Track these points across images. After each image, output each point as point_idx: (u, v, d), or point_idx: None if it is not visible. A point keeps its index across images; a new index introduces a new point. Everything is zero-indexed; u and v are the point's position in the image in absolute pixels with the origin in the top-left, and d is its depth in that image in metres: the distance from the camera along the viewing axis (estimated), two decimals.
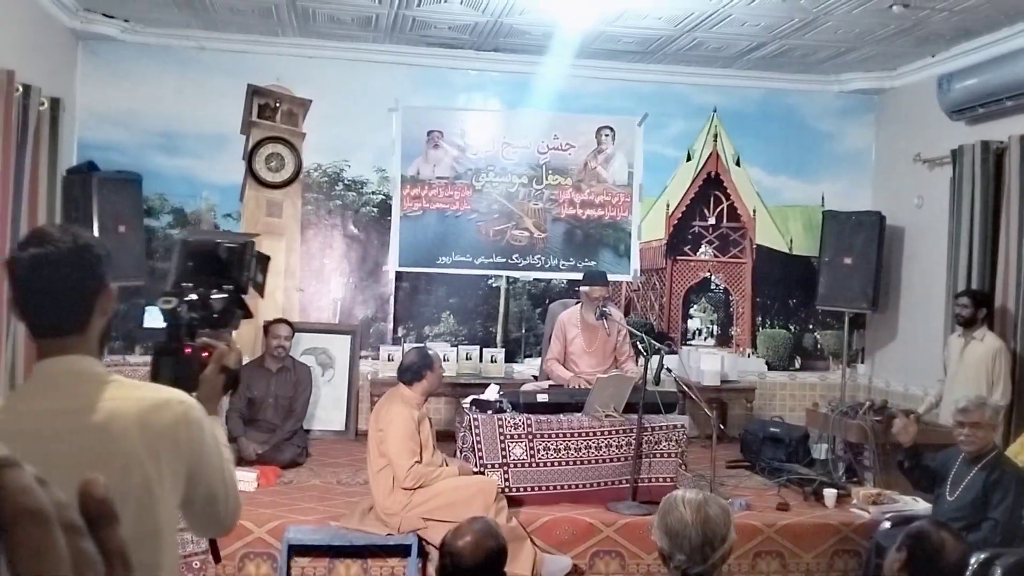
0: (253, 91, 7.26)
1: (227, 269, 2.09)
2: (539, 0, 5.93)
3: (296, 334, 6.54)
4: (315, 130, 7.35)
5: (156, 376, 1.88)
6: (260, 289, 2.22)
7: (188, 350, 1.91)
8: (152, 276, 6.95)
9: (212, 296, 2.02)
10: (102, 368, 1.66)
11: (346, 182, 7.43)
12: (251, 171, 7.26)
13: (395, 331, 7.45)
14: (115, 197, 6.41)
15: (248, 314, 2.13)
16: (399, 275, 7.44)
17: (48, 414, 1.57)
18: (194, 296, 1.99)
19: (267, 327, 6.40)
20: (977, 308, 5.95)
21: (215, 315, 2.01)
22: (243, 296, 2.10)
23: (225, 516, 1.77)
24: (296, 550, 4.65)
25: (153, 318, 1.74)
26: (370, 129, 7.38)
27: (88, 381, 1.62)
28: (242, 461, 5.55)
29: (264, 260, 2.24)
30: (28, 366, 5.16)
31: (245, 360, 6.59)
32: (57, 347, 1.63)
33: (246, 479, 5.33)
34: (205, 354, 1.91)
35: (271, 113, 7.32)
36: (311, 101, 7.34)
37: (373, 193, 7.46)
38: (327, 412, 7.03)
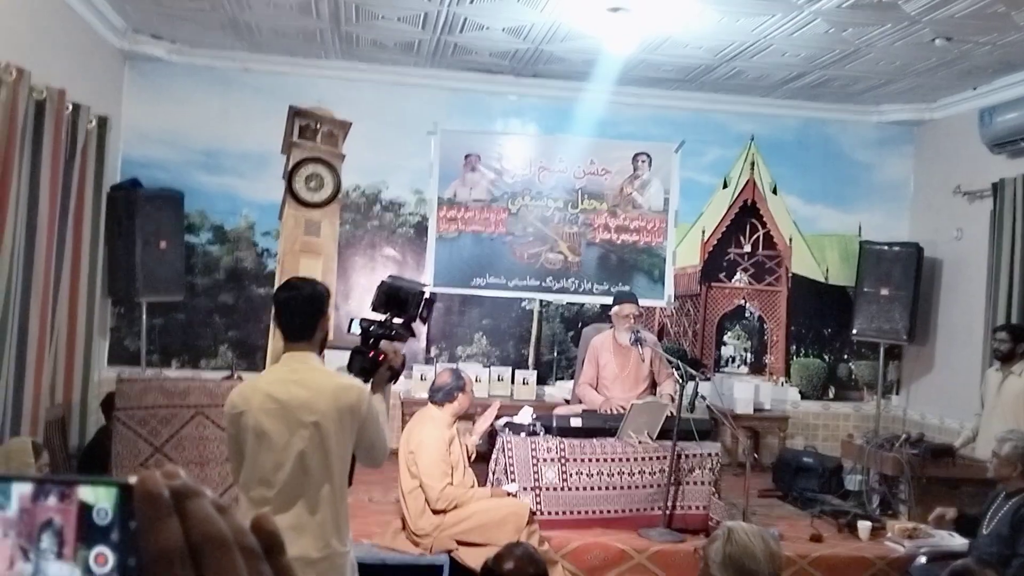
0: (295, 112, 7.34)
1: (405, 305, 3.25)
2: (581, 28, 5.99)
3: (329, 353, 6.57)
4: (355, 151, 7.41)
5: (349, 366, 3.06)
6: (425, 321, 3.44)
7: (371, 353, 3.04)
8: (191, 292, 7.08)
9: (393, 321, 3.19)
10: (317, 360, 2.91)
11: (384, 203, 7.51)
12: (291, 190, 7.33)
13: (428, 351, 7.48)
14: (157, 214, 6.53)
15: (413, 334, 3.36)
16: (433, 296, 7.46)
17: (286, 378, 2.84)
18: (382, 319, 3.18)
19: None
20: (1016, 343, 5.88)
21: (392, 333, 3.14)
22: (412, 324, 3.26)
23: (379, 458, 2.99)
24: None
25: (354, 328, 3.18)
26: (409, 151, 7.46)
27: (309, 366, 2.87)
28: None
29: (430, 303, 3.38)
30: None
31: None
32: (296, 347, 2.90)
33: None
34: (381, 357, 3.04)
35: (312, 134, 7.39)
36: (351, 123, 7.42)
37: (410, 214, 7.53)
38: None
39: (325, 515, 2.78)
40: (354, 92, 7.38)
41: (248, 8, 6.04)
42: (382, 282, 3.42)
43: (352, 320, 3.25)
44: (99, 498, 0.49)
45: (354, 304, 7.45)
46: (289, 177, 7.37)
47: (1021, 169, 6.37)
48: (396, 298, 3.25)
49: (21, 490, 0.49)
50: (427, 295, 3.39)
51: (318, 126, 7.43)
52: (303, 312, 2.89)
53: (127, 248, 6.37)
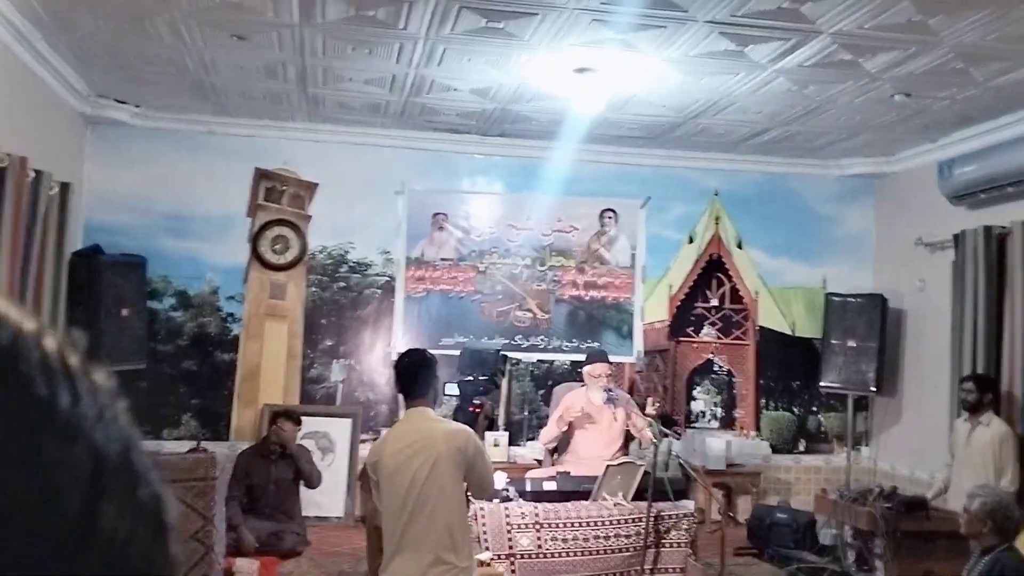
0: (261, 174, 7.33)
1: (486, 365, 4.29)
2: (548, 88, 6.04)
3: (301, 419, 6.45)
4: (321, 213, 7.40)
5: (455, 418, 4.02)
6: (504, 374, 4.46)
7: (470, 407, 4.00)
8: (153, 359, 6.94)
9: (480, 378, 4.10)
10: (433, 413, 3.54)
11: (350, 264, 7.46)
12: (256, 253, 7.29)
13: (396, 414, 7.38)
14: (119, 280, 6.42)
15: (498, 386, 4.32)
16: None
17: (409, 428, 3.49)
18: (471, 378, 4.14)
19: (273, 418, 6.28)
20: (983, 393, 5.93)
21: (481, 389, 4.09)
22: (495, 378, 4.14)
23: (488, 490, 3.80)
24: None
25: (450, 389, 4.01)
26: (376, 212, 7.44)
27: (427, 417, 3.49)
28: (240, 552, 5.41)
29: (505, 359, 4.34)
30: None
31: (244, 446, 6.51)
32: (415, 403, 3.54)
33: (245, 570, 5.23)
34: (478, 409, 4.03)
35: (278, 196, 7.38)
36: (317, 184, 7.41)
37: (377, 275, 7.49)
38: (327, 497, 6.91)
39: (439, 532, 3.37)
40: (320, 153, 7.37)
41: (214, 71, 6.03)
42: (463, 349, 4.60)
43: (446, 383, 4.13)
44: None
45: (320, 368, 7.35)
46: (254, 240, 7.32)
47: (981, 220, 6.48)
48: (478, 360, 4.28)
49: None
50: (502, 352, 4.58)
51: (284, 188, 7.41)
52: (420, 374, 3.54)
53: (89, 316, 6.23)
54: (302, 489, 6.18)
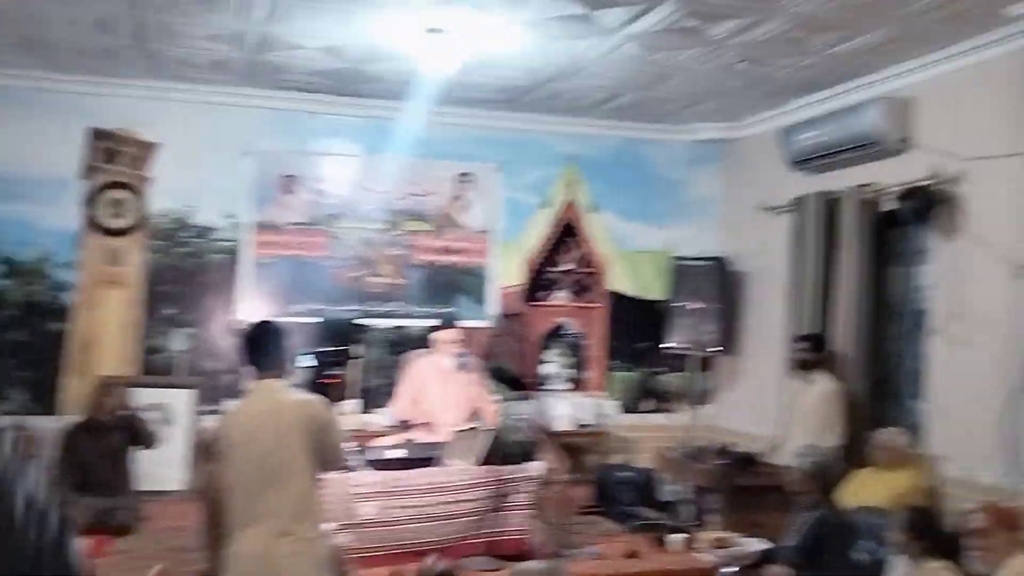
0: (96, 134, 6.94)
1: (342, 334, 4.64)
2: (399, 48, 5.91)
3: (133, 389, 6.21)
4: (162, 174, 7.08)
5: (310, 389, 3.95)
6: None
7: (325, 379, 4.36)
8: None
9: (337, 348, 4.64)
10: (284, 384, 3.56)
11: (194, 228, 7.17)
12: (91, 218, 6.92)
13: (241, 384, 7.18)
14: None
15: (352, 357, 4.99)
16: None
17: (260, 399, 3.51)
18: (327, 348, 4.70)
19: (100, 387, 6.01)
20: (814, 351, 6.23)
21: (337, 361, 4.47)
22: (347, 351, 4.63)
23: (336, 462, 3.70)
24: None
25: (306, 360, 4.09)
26: (221, 173, 7.15)
27: (276, 389, 3.52)
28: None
29: (360, 329, 5.62)
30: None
31: (75, 419, 6.20)
32: (267, 375, 3.55)
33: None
34: (333, 380, 4.34)
35: (114, 157, 7.01)
36: (158, 145, 7.07)
37: (223, 240, 7.22)
38: (166, 470, 6.66)
39: (289, 504, 3.38)
40: (161, 112, 7.02)
41: (43, 24, 5.64)
42: (320, 319, 4.55)
43: (302, 354, 4.14)
44: None
45: (161, 338, 7.06)
46: (89, 203, 6.94)
47: (819, 186, 6.75)
48: (333, 331, 4.30)
49: None
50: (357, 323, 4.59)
51: (121, 148, 7.05)
52: (270, 346, 3.55)
53: None
54: (139, 462, 5.97)
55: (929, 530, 3.78)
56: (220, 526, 3.57)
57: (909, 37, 5.47)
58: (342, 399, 4.09)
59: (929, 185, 5.69)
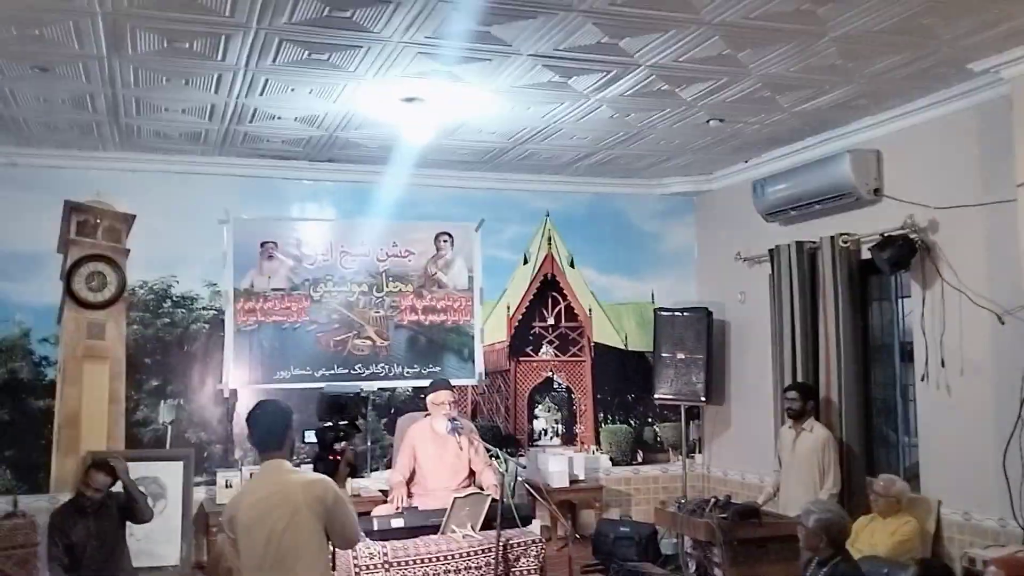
0: (71, 207, 6.87)
1: (346, 409, 3.95)
2: (376, 116, 5.96)
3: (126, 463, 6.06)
4: (140, 246, 7.01)
5: (315, 467, 3.74)
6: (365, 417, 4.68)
7: (330, 455, 3.75)
8: None
9: (340, 423, 3.86)
10: (289, 465, 3.51)
11: (175, 298, 7.10)
12: (70, 291, 6.83)
13: (232, 453, 7.09)
14: None
15: (359, 430, 4.00)
16: (234, 393, 7.13)
17: (266, 481, 3.45)
18: (330, 424, 3.85)
19: (86, 470, 5.85)
20: (805, 400, 6.29)
21: (342, 435, 3.81)
22: (356, 423, 3.96)
23: (352, 539, 3.58)
24: None
25: (309, 437, 3.93)
26: (199, 242, 7.11)
27: (283, 470, 3.47)
28: None
29: (365, 401, 4.66)
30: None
31: (63, 499, 6.07)
32: (270, 455, 3.51)
33: None
34: (338, 456, 3.74)
35: (91, 230, 6.94)
36: (135, 216, 7.02)
37: (204, 309, 7.16)
38: (160, 547, 6.54)
39: None
40: (137, 184, 6.99)
41: (14, 104, 5.60)
42: (321, 393, 4.24)
43: (304, 431, 4.00)
44: None
45: (147, 410, 6.95)
46: (68, 277, 6.85)
47: (793, 236, 6.87)
48: (337, 404, 3.97)
49: None
50: (363, 394, 4.21)
51: (98, 221, 6.99)
52: (274, 427, 3.54)
53: None
54: (131, 541, 5.83)
55: None
56: None
57: (876, 93, 5.65)
58: (351, 476, 4.01)
59: (904, 234, 5.83)
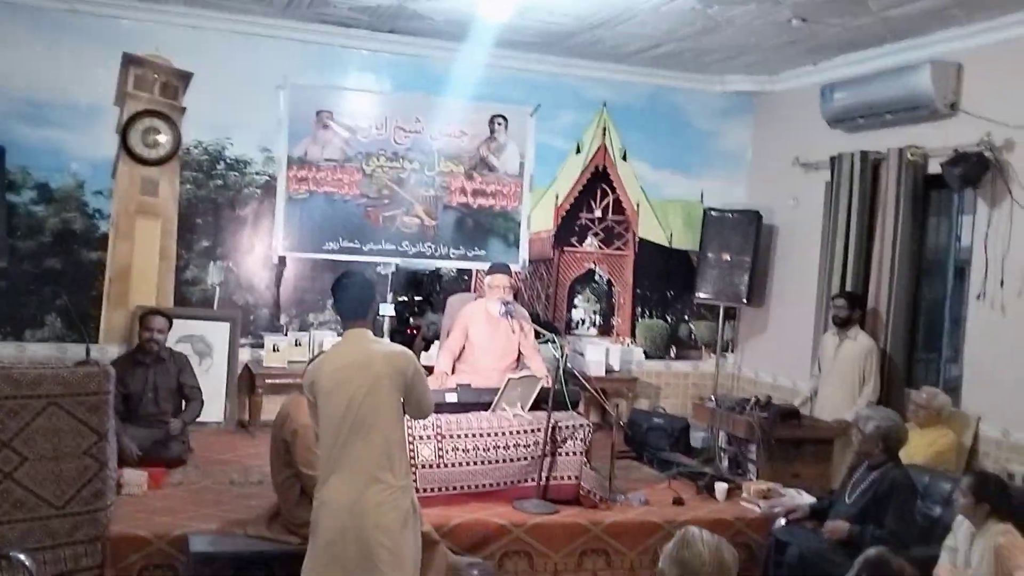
0: (129, 60, 6.78)
1: (422, 285, 4.35)
2: None
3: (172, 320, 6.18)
4: (196, 105, 6.95)
5: (392, 339, 4.02)
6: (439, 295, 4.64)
7: (407, 329, 4.02)
8: (13, 256, 6.46)
9: (415, 299, 4.17)
10: (372, 334, 3.62)
11: (228, 161, 7.07)
12: (125, 146, 6.80)
13: (277, 319, 7.19)
14: None
15: (433, 307, 4.43)
16: (283, 260, 7.18)
17: (349, 350, 3.54)
18: (405, 299, 4.22)
19: (141, 318, 6.00)
20: (853, 309, 6.34)
21: (416, 310, 4.11)
22: (431, 301, 4.21)
23: (426, 411, 3.74)
24: (199, 559, 4.43)
25: (385, 310, 4.10)
26: (256, 106, 7.04)
27: (367, 339, 3.57)
28: (124, 462, 5.18)
29: (439, 278, 4.67)
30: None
31: (118, 352, 6.24)
32: (354, 324, 3.61)
33: (135, 482, 5.04)
34: (415, 331, 4.07)
35: (149, 85, 6.86)
36: (192, 74, 6.93)
37: (257, 174, 7.14)
38: (205, 404, 6.69)
39: (376, 453, 3.41)
40: (197, 41, 6.87)
41: None
42: (396, 266, 4.52)
43: (382, 304, 4.14)
44: None
45: (196, 270, 7.02)
46: (123, 131, 6.81)
47: (857, 145, 6.77)
48: (414, 280, 4.21)
49: None
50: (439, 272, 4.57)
51: (155, 76, 6.90)
52: (359, 296, 3.60)
53: None
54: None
55: (995, 493, 3.89)
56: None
57: (966, 3, 5.47)
58: (425, 350, 4.12)
59: (980, 151, 5.74)
